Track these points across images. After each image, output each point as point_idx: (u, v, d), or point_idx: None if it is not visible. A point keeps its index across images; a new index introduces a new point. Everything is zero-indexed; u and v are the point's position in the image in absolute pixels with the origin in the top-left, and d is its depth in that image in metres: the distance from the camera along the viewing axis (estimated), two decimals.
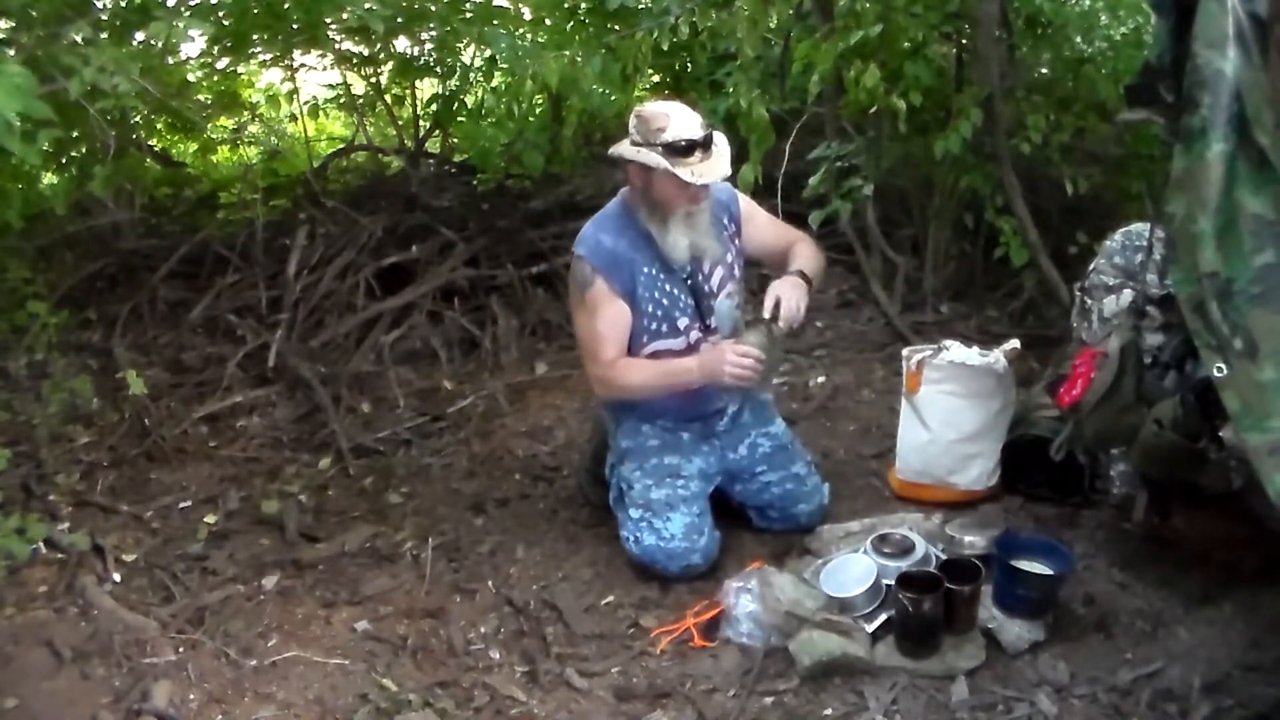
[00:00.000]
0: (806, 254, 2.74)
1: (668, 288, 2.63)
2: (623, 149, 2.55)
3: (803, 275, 2.66)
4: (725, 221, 2.70)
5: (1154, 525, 2.61)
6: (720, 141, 2.53)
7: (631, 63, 3.56)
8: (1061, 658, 2.26)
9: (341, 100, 5.73)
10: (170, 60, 4.43)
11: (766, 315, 2.58)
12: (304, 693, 2.34)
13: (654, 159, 2.46)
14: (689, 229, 2.59)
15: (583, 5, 5.08)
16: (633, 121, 2.53)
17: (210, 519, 3.12)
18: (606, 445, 2.99)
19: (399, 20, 4.29)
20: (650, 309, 2.63)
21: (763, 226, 2.80)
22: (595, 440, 3.10)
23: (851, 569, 2.40)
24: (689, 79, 5.25)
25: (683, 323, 2.66)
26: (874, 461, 3.19)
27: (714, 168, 2.50)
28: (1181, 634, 2.31)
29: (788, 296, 2.58)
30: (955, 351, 2.88)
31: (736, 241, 2.73)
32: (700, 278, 2.67)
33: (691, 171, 2.45)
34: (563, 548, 2.89)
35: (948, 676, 2.23)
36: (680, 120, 2.47)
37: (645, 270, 2.61)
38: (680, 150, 2.45)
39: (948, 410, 2.86)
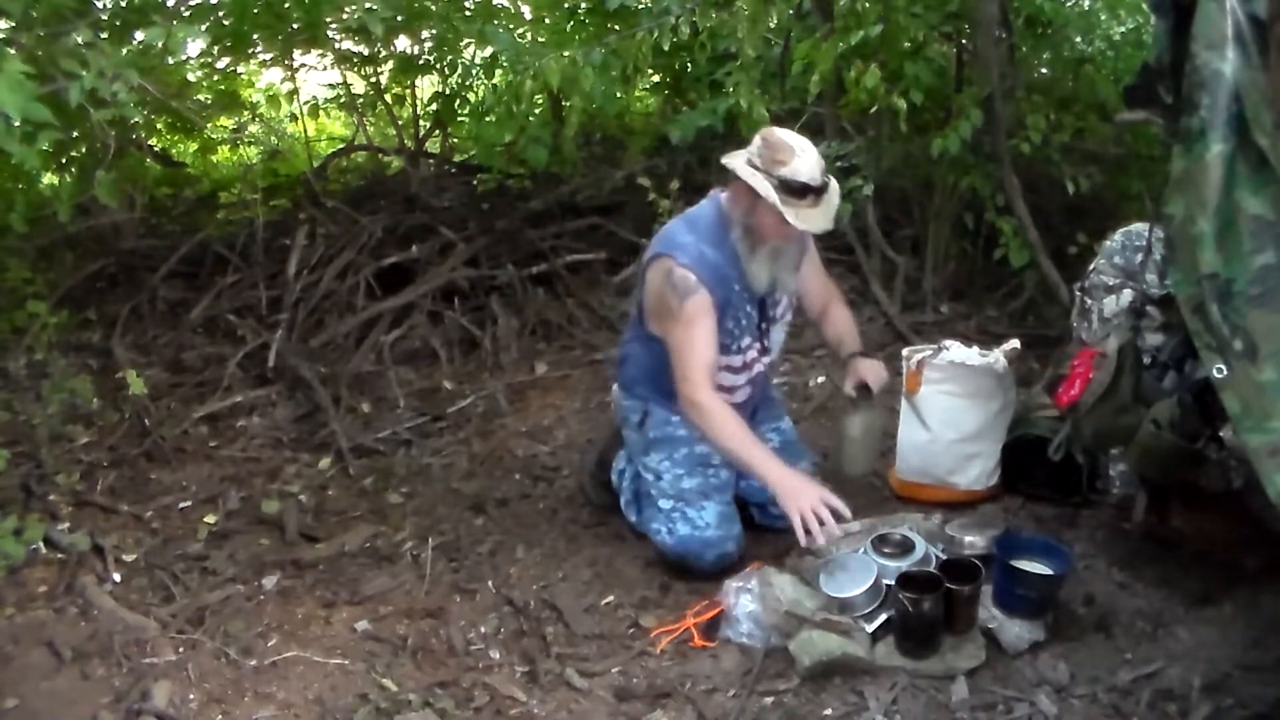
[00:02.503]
0: (851, 327, 2.85)
1: (748, 308, 2.63)
2: (737, 164, 2.48)
3: (865, 353, 2.80)
4: (797, 254, 2.69)
5: (1154, 525, 2.62)
6: (833, 191, 2.49)
7: (632, 63, 3.56)
8: (1061, 658, 2.26)
9: (341, 100, 5.73)
10: (170, 60, 4.43)
11: (851, 392, 2.70)
12: (304, 693, 2.34)
13: (766, 189, 2.40)
14: (773, 261, 2.57)
15: (583, 5, 5.08)
16: (757, 141, 2.47)
17: (210, 519, 3.12)
18: (613, 446, 2.99)
19: (399, 19, 4.29)
20: (729, 325, 2.60)
21: (814, 270, 2.84)
22: (600, 442, 3.10)
23: (851, 569, 2.40)
24: (689, 79, 5.24)
25: (745, 342, 2.66)
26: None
27: (821, 217, 2.46)
28: (1181, 634, 2.31)
29: (873, 372, 2.71)
30: (955, 351, 2.88)
31: (799, 273, 2.75)
32: (769, 302, 2.68)
33: (798, 215, 2.41)
34: (563, 548, 2.89)
35: (948, 676, 2.23)
36: (804, 160, 2.41)
37: (735, 288, 2.57)
38: (794, 190, 2.40)
39: (948, 410, 2.87)
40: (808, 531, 2.33)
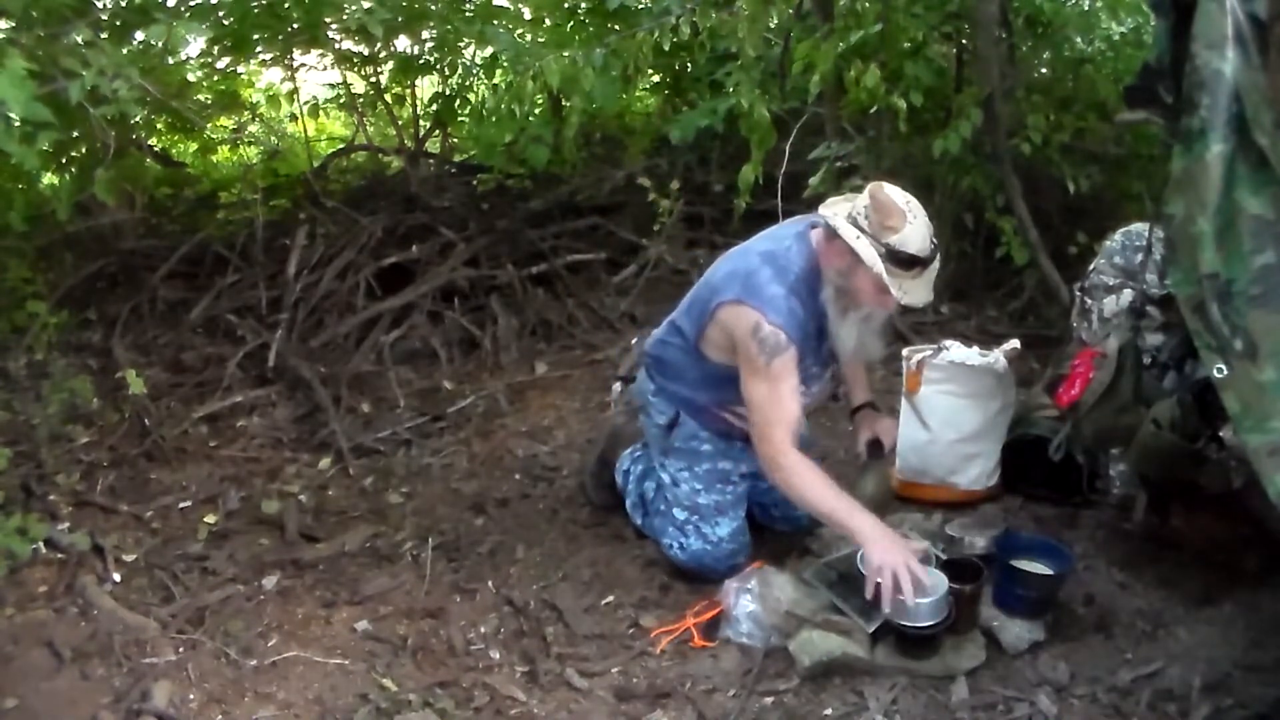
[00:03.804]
0: (864, 373, 2.79)
1: (821, 357, 2.52)
2: (841, 225, 2.29)
3: (874, 406, 2.75)
4: (887, 320, 2.56)
5: (1154, 525, 2.62)
6: (936, 261, 2.32)
7: (632, 63, 3.56)
8: (1061, 658, 2.26)
9: (341, 100, 5.73)
10: (170, 60, 4.43)
11: (863, 450, 2.67)
12: (304, 693, 2.34)
13: (872, 257, 2.23)
14: (864, 327, 2.41)
15: (583, 5, 5.08)
16: (866, 200, 2.28)
17: (210, 519, 3.12)
18: (614, 446, 2.99)
19: (399, 19, 4.29)
20: (802, 378, 2.44)
21: None
22: (601, 441, 3.10)
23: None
24: (689, 79, 5.25)
25: (802, 387, 2.51)
26: None
27: (923, 290, 2.30)
28: (1181, 634, 2.31)
29: (887, 431, 2.67)
30: (955, 351, 2.89)
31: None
32: (834, 362, 2.58)
33: (901, 287, 2.25)
34: (563, 548, 2.89)
35: (948, 676, 2.23)
36: (915, 229, 2.24)
37: (814, 342, 2.44)
38: (901, 261, 2.24)
39: (948, 410, 2.87)
40: (878, 595, 2.21)
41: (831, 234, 2.32)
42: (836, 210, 2.35)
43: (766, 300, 2.34)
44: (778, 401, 2.36)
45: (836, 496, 2.35)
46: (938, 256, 2.32)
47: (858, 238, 2.26)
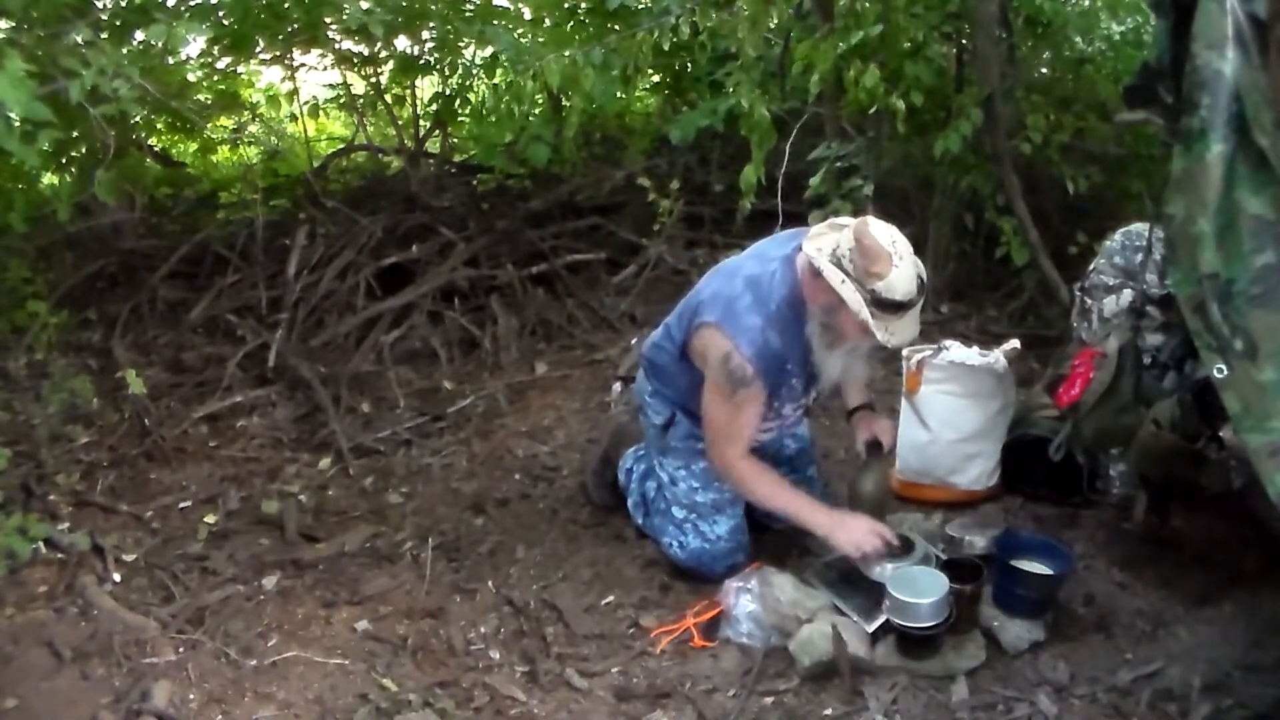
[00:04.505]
0: (862, 380, 2.78)
1: (798, 386, 2.53)
2: (827, 269, 2.24)
3: (871, 406, 2.76)
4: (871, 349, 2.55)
5: (1154, 525, 2.62)
6: (920, 299, 2.30)
7: (632, 63, 3.56)
8: (1061, 658, 2.26)
9: (341, 100, 5.73)
10: (170, 60, 4.43)
11: (862, 449, 2.67)
12: (304, 693, 2.34)
13: (858, 303, 2.21)
14: (849, 357, 2.44)
15: (583, 5, 5.08)
16: (850, 242, 2.23)
17: (210, 519, 3.12)
18: (616, 445, 2.99)
19: (399, 20, 4.29)
20: (775, 403, 2.50)
21: None
22: (603, 440, 3.09)
23: (922, 581, 2.28)
24: (689, 79, 5.25)
25: (787, 409, 2.57)
26: None
27: (908, 330, 2.30)
28: (1181, 634, 2.31)
29: (886, 431, 2.67)
30: (955, 351, 2.89)
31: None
32: (816, 374, 2.55)
33: (887, 329, 2.24)
34: (563, 548, 2.89)
35: (948, 676, 2.23)
36: (901, 275, 2.20)
37: (791, 369, 2.45)
38: (888, 307, 2.22)
39: (948, 410, 2.87)
40: (879, 596, 2.31)
41: (816, 270, 2.28)
42: (821, 246, 2.30)
43: (742, 330, 2.35)
44: (735, 426, 2.45)
45: (789, 495, 2.51)
46: (925, 294, 2.31)
47: (843, 282, 2.22)
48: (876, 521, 2.45)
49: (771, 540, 2.78)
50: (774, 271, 2.41)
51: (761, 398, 2.41)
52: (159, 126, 5.42)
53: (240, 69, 5.27)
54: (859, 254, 2.21)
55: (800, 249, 2.37)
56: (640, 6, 4.47)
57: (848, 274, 2.23)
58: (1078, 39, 4.27)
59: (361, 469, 3.43)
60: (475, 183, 5.50)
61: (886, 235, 2.24)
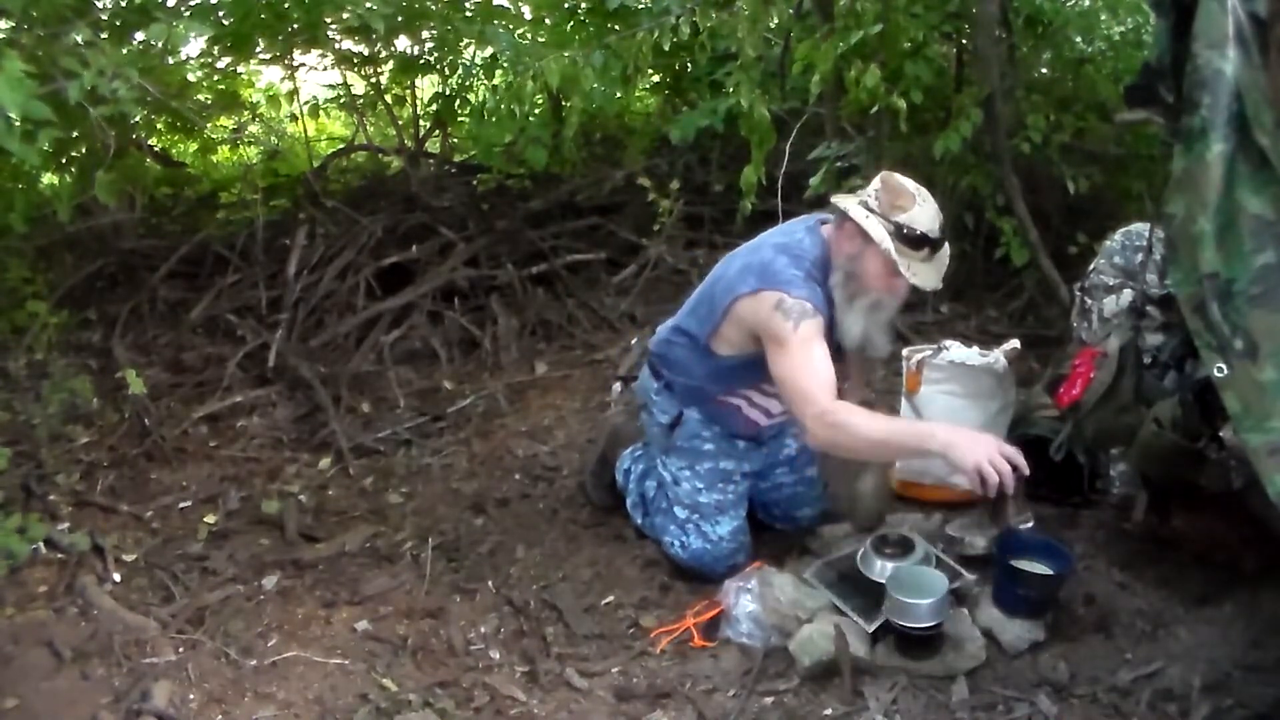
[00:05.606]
0: (863, 380, 2.78)
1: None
2: (850, 206, 2.33)
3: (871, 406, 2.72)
4: (893, 313, 2.52)
5: (1154, 525, 2.61)
6: (946, 250, 2.35)
7: (632, 63, 3.56)
8: (1061, 658, 2.26)
9: (341, 100, 5.73)
10: (170, 60, 4.43)
11: None
12: (304, 693, 2.34)
13: (881, 234, 2.26)
14: (870, 318, 2.39)
15: (583, 5, 5.08)
16: (875, 184, 2.34)
17: (210, 519, 3.12)
18: (614, 446, 2.99)
19: (399, 19, 4.29)
20: None
21: None
22: (601, 441, 3.09)
23: (921, 580, 2.28)
24: (689, 79, 5.25)
25: None
26: None
27: (932, 274, 2.32)
28: (1181, 634, 2.31)
29: None
30: (955, 351, 2.89)
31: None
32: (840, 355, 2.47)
33: (909, 267, 2.27)
34: (563, 548, 2.89)
35: (948, 676, 2.23)
36: (924, 210, 2.28)
37: (826, 331, 2.39)
38: (910, 240, 2.26)
39: (948, 410, 2.86)
40: (984, 482, 2.11)
41: (841, 221, 2.36)
42: (846, 198, 2.39)
43: (786, 282, 2.32)
44: (810, 364, 2.27)
45: (893, 428, 2.37)
46: (947, 244, 2.35)
47: (867, 217, 2.30)
48: (1004, 445, 2.17)
49: (771, 540, 2.79)
50: (800, 239, 2.44)
51: (822, 332, 2.31)
52: (159, 126, 5.42)
53: (240, 69, 5.28)
54: (884, 191, 2.31)
55: (822, 222, 2.45)
56: (640, 6, 4.47)
57: (872, 210, 2.31)
58: (1078, 39, 4.28)
59: (361, 469, 3.43)
60: (475, 183, 5.50)
61: (911, 182, 2.35)
